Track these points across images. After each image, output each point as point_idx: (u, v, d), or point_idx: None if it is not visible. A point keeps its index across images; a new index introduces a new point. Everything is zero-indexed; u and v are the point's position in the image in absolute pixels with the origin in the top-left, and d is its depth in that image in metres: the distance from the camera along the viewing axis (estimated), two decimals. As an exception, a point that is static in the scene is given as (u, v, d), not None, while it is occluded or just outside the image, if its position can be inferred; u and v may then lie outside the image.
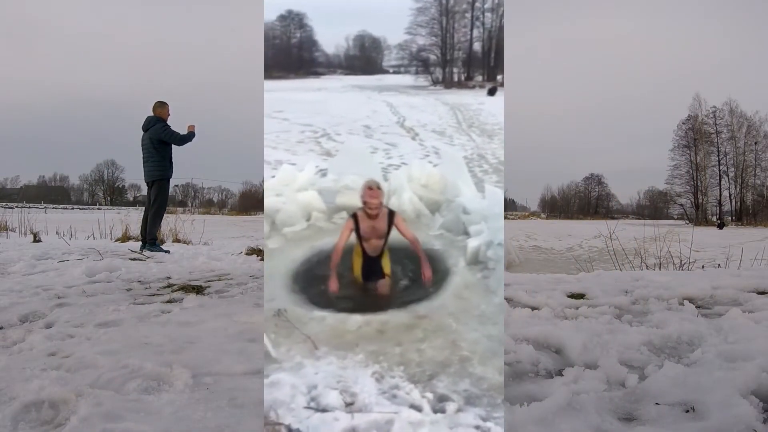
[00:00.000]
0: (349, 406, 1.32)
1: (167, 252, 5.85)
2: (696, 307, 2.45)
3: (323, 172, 3.10)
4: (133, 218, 9.02)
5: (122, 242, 7.50)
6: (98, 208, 41.69)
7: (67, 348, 1.84)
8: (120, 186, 70.16)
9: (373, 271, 2.00)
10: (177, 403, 1.35)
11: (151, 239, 6.02)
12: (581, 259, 8.37)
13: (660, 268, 5.15)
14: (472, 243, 2.15)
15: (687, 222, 35.07)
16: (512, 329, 2.00)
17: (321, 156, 4.35)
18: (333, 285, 1.89)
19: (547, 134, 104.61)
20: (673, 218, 41.45)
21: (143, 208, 6.55)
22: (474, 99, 9.51)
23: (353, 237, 1.97)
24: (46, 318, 2.37)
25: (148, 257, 5.22)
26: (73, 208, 46.68)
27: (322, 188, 2.77)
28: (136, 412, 1.29)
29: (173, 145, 6.09)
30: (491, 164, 4.45)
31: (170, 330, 2.09)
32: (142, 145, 6.08)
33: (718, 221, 32.76)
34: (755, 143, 39.15)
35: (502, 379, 1.44)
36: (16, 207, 21.16)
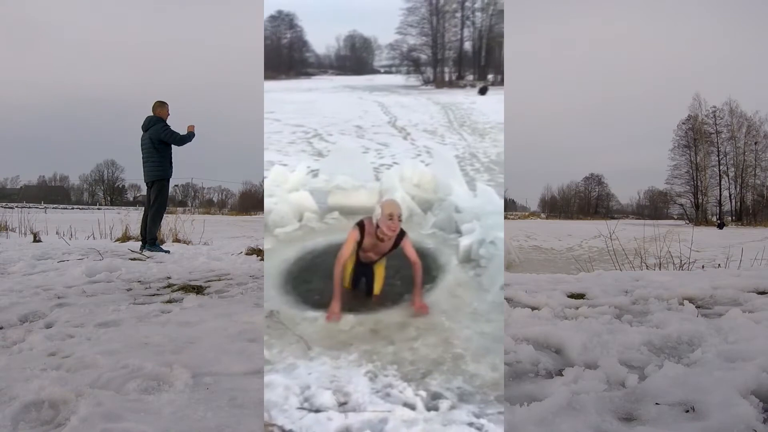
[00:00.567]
0: (343, 405, 1.31)
1: (167, 252, 5.85)
2: (696, 307, 2.45)
3: (315, 173, 3.10)
4: (133, 218, 9.01)
5: (122, 242, 7.49)
6: (98, 208, 41.69)
7: (67, 348, 1.84)
8: (120, 186, 70.17)
9: (364, 276, 1.95)
10: (177, 403, 1.35)
11: (151, 239, 6.02)
12: (581, 259, 8.37)
13: (660, 268, 5.15)
14: (465, 241, 2.16)
15: (687, 222, 35.07)
16: (512, 329, 1.99)
17: (313, 156, 4.36)
18: (335, 308, 1.75)
19: (547, 134, 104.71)
20: (673, 218, 41.43)
21: (143, 208, 6.55)
22: (465, 98, 9.53)
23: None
24: (46, 318, 2.37)
25: (148, 257, 5.22)
26: (73, 208, 46.66)
27: (313, 189, 2.77)
28: (136, 412, 1.29)
29: (173, 145, 6.09)
30: (483, 163, 4.46)
31: (170, 330, 2.09)
32: (142, 145, 6.08)
33: (718, 221, 32.74)
34: (755, 143, 39.13)
35: (496, 376, 1.44)
36: (16, 207, 21.14)
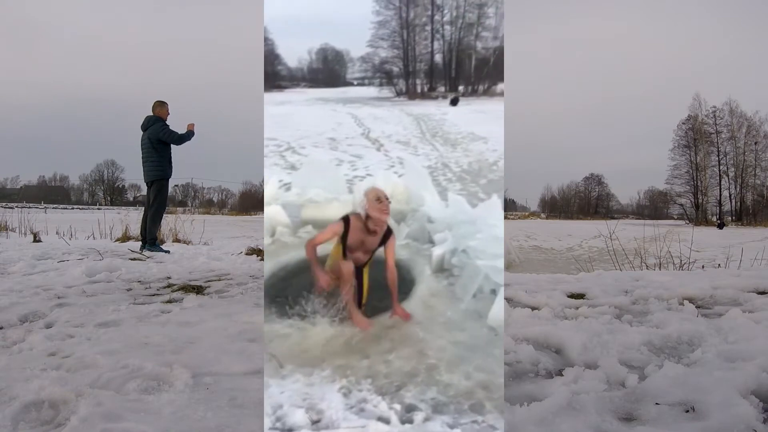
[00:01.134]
0: (316, 423, 1.29)
1: (167, 252, 5.85)
2: (696, 307, 2.45)
3: (287, 186, 3.08)
4: (133, 218, 9.02)
5: (122, 242, 7.49)
6: (98, 208, 41.70)
7: (67, 348, 1.84)
8: (120, 186, 70.17)
9: (356, 279, 1.87)
10: (177, 403, 1.35)
11: (151, 239, 6.02)
12: (581, 259, 8.37)
13: (660, 268, 5.15)
14: (437, 251, 2.17)
15: (687, 222, 35.06)
16: (512, 329, 1.99)
17: (285, 170, 4.31)
18: (323, 280, 1.72)
19: (547, 134, 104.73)
20: (673, 218, 41.43)
21: (143, 208, 6.55)
22: (437, 109, 9.59)
23: (329, 246, 1.80)
24: (46, 318, 2.37)
25: (148, 257, 5.22)
26: (73, 208, 46.67)
27: (286, 202, 2.74)
28: (136, 412, 1.28)
29: (172, 145, 6.09)
30: (455, 173, 4.48)
31: (170, 330, 2.09)
32: (142, 145, 6.08)
33: (718, 221, 32.73)
34: (755, 143, 39.11)
35: (469, 384, 1.43)
36: (16, 207, 21.13)
